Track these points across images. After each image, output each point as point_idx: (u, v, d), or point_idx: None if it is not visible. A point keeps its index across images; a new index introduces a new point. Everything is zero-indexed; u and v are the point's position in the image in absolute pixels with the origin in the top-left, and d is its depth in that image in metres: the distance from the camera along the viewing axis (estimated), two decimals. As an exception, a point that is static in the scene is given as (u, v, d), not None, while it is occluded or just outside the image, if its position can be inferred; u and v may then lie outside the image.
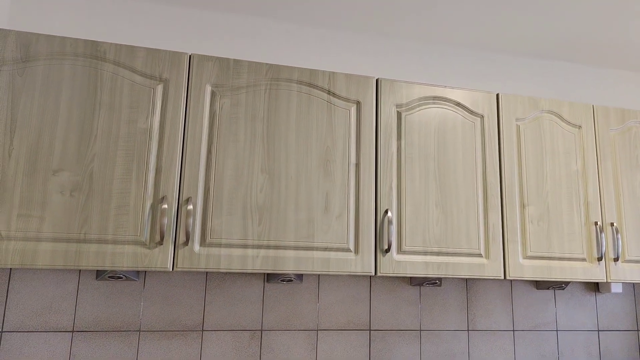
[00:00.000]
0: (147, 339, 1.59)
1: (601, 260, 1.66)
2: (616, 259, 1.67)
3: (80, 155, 1.34)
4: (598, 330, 2.01)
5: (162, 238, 1.32)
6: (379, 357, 1.77)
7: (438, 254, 1.54)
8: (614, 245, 1.68)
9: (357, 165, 1.53)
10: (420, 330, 1.83)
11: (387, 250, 1.49)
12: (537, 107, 1.73)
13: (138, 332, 1.59)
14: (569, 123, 1.75)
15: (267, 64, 1.52)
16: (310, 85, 1.54)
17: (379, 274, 1.48)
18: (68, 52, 1.38)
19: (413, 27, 1.98)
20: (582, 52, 2.15)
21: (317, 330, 1.74)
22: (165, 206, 1.34)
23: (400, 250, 1.51)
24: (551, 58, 2.21)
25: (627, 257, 1.69)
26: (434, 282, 1.80)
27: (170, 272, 1.65)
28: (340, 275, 1.79)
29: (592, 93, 2.24)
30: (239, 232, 1.40)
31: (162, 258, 1.34)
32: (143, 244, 1.33)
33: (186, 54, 1.46)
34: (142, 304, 1.61)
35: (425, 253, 1.53)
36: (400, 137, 1.58)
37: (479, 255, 1.57)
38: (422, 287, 1.86)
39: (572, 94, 2.21)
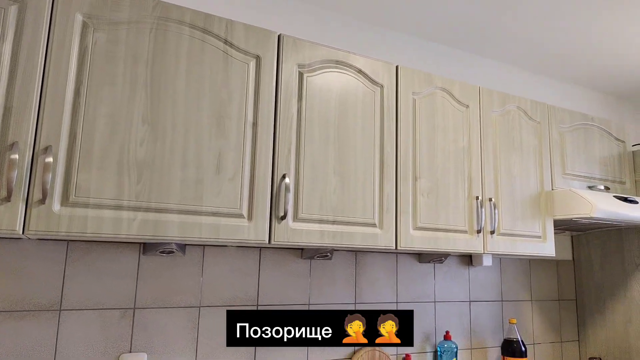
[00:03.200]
0: (-16, 322, 1.29)
1: (480, 232, 1.76)
2: (492, 232, 1.78)
3: None
4: (470, 301, 2.16)
5: (9, 194, 1.06)
6: (266, 333, 1.67)
7: (334, 222, 1.48)
8: (491, 219, 1.79)
9: (255, 124, 1.40)
10: (309, 304, 1.77)
11: (283, 218, 1.39)
12: (431, 83, 1.76)
13: (-28, 314, 1.28)
14: (458, 102, 1.81)
15: (154, -1, 1.31)
16: (205, 31, 1.37)
17: (273, 242, 1.38)
18: None
19: (315, -10, 1.90)
20: (471, 41, 2.26)
21: (199, 307, 1.59)
22: (16, 155, 1.08)
23: (296, 218, 1.42)
24: (444, 43, 2.29)
25: (501, 230, 1.82)
26: (325, 255, 1.76)
27: (20, 238, 1.36)
28: (228, 247, 1.65)
29: (477, 80, 2.38)
30: (112, 191, 1.19)
31: (9, 218, 1.07)
32: (-18, 201, 1.06)
33: (51, -29, 1.19)
34: (-21, 279, 1.30)
35: (321, 221, 1.46)
36: (301, 98, 1.49)
37: (374, 225, 1.55)
38: (312, 260, 1.80)
39: (460, 79, 2.32)
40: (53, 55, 1.17)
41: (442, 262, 2.08)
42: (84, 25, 1.22)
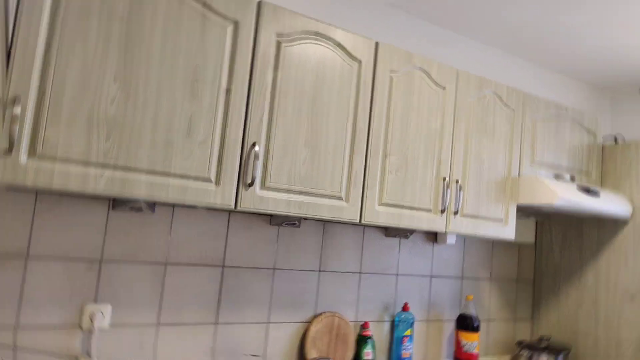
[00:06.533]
0: (-50, 265, 1.32)
1: (444, 212, 1.82)
2: (456, 212, 1.84)
3: None
4: (431, 276, 2.25)
5: (-25, 142, 1.07)
6: (230, 292, 1.74)
7: (301, 193, 1.52)
8: (456, 200, 1.84)
9: (228, 91, 1.41)
10: (274, 268, 1.83)
11: (251, 185, 1.42)
12: (410, 62, 1.77)
13: (-62, 256, 1.31)
14: (436, 83, 1.83)
15: (133, -45, 1.29)
16: (184, -9, 1.36)
17: (239, 208, 1.42)
18: None
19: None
20: (453, 19, 2.26)
21: (165, 264, 1.63)
22: (-17, 104, 1.08)
23: (264, 186, 1.46)
24: (426, 19, 2.29)
25: (465, 212, 1.88)
26: (293, 222, 1.81)
27: (-13, 188, 1.38)
28: (198, 208, 1.69)
29: (455, 59, 2.39)
30: (80, 147, 1.20)
31: (-26, 166, 1.09)
32: (-53, 147, 1.07)
33: None
34: (-55, 223, 1.32)
35: (288, 191, 1.50)
36: (278, 68, 1.50)
37: (340, 198, 1.60)
38: (280, 227, 1.85)
39: (438, 56, 2.33)
40: (24, 7, 1.15)
41: (407, 238, 2.15)
42: (59, -23, 1.20)
